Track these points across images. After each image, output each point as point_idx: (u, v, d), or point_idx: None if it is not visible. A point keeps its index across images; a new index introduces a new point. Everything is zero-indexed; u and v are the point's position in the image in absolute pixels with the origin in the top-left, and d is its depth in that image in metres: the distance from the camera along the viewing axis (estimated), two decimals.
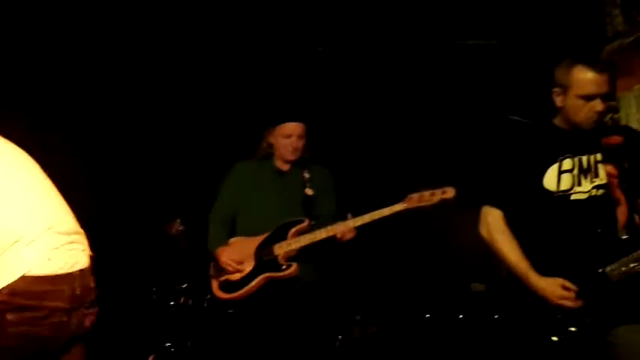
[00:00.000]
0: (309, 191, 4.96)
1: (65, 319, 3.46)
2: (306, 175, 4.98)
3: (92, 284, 3.62)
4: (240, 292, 4.90)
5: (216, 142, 6.65)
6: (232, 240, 5.07)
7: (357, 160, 6.63)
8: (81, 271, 3.54)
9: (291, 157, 5.04)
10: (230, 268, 4.93)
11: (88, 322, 3.58)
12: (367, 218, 4.70)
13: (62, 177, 3.59)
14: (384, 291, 6.67)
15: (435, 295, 6.44)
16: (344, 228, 4.72)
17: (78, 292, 3.49)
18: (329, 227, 4.74)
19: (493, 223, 4.02)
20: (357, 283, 6.51)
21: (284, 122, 4.99)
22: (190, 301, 5.73)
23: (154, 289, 5.94)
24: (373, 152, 6.74)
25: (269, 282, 4.87)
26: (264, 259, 4.93)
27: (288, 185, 5.04)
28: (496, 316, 4.90)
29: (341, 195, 5.13)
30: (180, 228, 5.85)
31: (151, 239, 6.14)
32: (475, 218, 4.10)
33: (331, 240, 4.80)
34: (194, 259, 5.49)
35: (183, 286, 5.82)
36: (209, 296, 5.08)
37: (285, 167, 5.12)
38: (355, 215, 4.81)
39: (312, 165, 5.05)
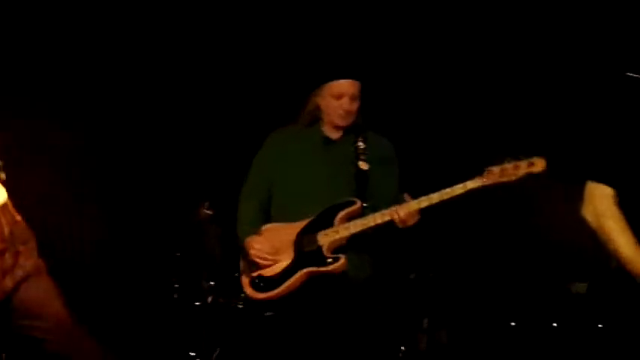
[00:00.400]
0: (363, 165, 4.35)
1: None
2: (361, 145, 4.38)
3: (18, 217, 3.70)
4: (276, 290, 4.28)
5: (249, 111, 6.26)
6: (266, 227, 4.46)
7: (421, 126, 6.16)
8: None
9: (343, 123, 4.41)
10: (262, 262, 4.31)
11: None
12: (435, 198, 4.13)
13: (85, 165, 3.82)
14: (456, 291, 6.06)
15: (523, 296, 5.94)
16: (404, 211, 4.14)
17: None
18: (385, 211, 4.17)
19: (602, 205, 3.58)
20: (422, 281, 5.89)
21: (334, 80, 4.37)
22: (220, 301, 5.34)
23: (176, 285, 5.54)
24: (441, 116, 6.19)
25: (311, 278, 4.26)
26: (306, 250, 4.30)
27: (337, 157, 4.43)
28: (600, 325, 4.15)
29: (402, 169, 4.55)
30: (209, 212, 5.45)
31: (174, 227, 5.78)
32: (574, 198, 3.69)
33: (389, 226, 4.24)
34: (225, 250, 5.09)
35: (212, 282, 5.43)
36: (243, 295, 4.53)
37: (335, 135, 4.49)
38: (418, 195, 4.22)
39: (368, 132, 4.44)
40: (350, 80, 4.41)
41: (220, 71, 6.29)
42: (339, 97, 4.38)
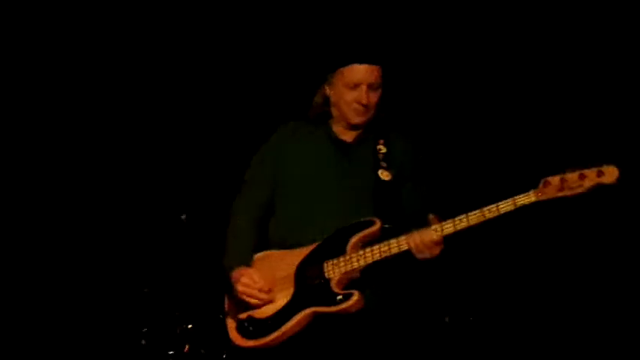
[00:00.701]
0: (384, 174, 3.87)
1: None
2: (382, 149, 3.92)
3: None
4: (271, 336, 3.74)
5: (239, 107, 5.83)
6: (260, 255, 3.94)
7: (458, 127, 5.52)
8: None
9: (358, 120, 3.92)
10: (253, 301, 3.78)
11: None
12: (474, 219, 3.55)
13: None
14: (502, 339, 5.38)
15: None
16: (419, 239, 3.63)
17: None
18: (402, 237, 3.66)
19: None
20: (459, 326, 5.32)
21: (349, 64, 3.90)
22: (201, 351, 4.92)
23: (144, 329, 5.10)
24: (483, 110, 5.58)
25: (316, 320, 3.74)
26: (310, 283, 3.78)
27: (351, 165, 3.93)
28: None
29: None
30: (184, 218, 5.18)
31: (141, 253, 5.47)
32: None
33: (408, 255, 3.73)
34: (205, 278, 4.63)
35: (189, 325, 5.00)
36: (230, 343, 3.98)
37: (349, 136, 3.99)
38: (451, 215, 3.63)
39: (391, 133, 3.98)
40: (368, 65, 3.91)
41: (207, 54, 5.91)
42: (354, 85, 3.90)
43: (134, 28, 5.77)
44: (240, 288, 3.78)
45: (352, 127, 3.92)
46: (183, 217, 5.12)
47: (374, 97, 3.87)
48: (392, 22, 5.57)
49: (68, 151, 5.72)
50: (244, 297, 3.77)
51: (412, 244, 3.62)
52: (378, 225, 3.72)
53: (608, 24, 5.39)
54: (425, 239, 3.60)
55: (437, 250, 3.63)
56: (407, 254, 3.69)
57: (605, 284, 5.36)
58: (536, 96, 5.65)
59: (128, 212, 5.69)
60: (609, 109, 5.48)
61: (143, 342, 5.13)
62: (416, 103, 5.18)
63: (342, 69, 3.88)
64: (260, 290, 3.78)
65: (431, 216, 3.64)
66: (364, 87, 3.84)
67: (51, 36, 5.72)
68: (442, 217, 3.65)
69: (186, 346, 4.98)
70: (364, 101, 3.84)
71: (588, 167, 3.53)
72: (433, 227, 3.61)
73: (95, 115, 5.81)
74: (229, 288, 3.88)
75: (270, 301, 3.78)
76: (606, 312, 5.35)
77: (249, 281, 3.78)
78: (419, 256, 3.64)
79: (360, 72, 3.87)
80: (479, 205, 3.62)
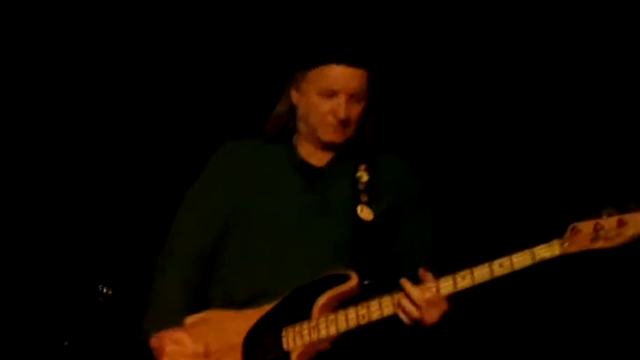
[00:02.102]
0: (365, 212, 3.23)
1: None
2: (363, 177, 3.28)
3: None
4: None
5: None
6: (195, 317, 3.26)
7: (461, 147, 4.86)
8: None
9: (333, 138, 3.27)
10: None
11: None
12: (479, 276, 2.95)
13: None
14: None
15: None
16: (421, 296, 3.00)
17: None
18: (386, 297, 3.06)
19: None
20: None
21: (324, 63, 3.25)
22: None
23: None
24: (496, 132, 4.87)
25: None
26: (263, 357, 3.15)
27: (322, 197, 3.29)
28: None
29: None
30: (108, 292, 4.50)
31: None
32: None
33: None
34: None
35: None
36: None
37: (320, 158, 3.33)
38: (452, 268, 3.04)
39: (379, 155, 3.37)
40: (351, 67, 3.24)
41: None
42: (330, 94, 3.23)
43: None
44: (165, 355, 3.12)
45: (325, 146, 3.22)
46: (105, 289, 4.54)
47: (355, 111, 3.19)
48: (384, 15, 4.89)
49: None
50: None
51: (402, 306, 2.95)
52: (354, 280, 3.06)
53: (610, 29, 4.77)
54: (418, 299, 2.93)
55: (436, 315, 2.97)
56: (393, 320, 2.98)
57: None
58: (562, 119, 4.94)
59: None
60: None
61: None
62: (414, 119, 4.52)
63: (315, 70, 3.18)
64: (192, 357, 3.11)
65: (421, 270, 3.01)
66: (343, 96, 3.15)
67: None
68: (441, 271, 2.98)
69: None
70: (342, 115, 3.15)
71: (631, 210, 2.92)
72: (427, 285, 2.96)
73: None
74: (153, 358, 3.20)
75: None
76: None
77: (176, 348, 3.11)
78: (407, 322, 2.98)
79: (339, 76, 3.18)
80: (487, 256, 2.97)
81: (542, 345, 4.78)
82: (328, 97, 3.17)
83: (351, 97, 3.17)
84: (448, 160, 4.64)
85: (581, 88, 4.83)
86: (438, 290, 2.96)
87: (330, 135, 3.20)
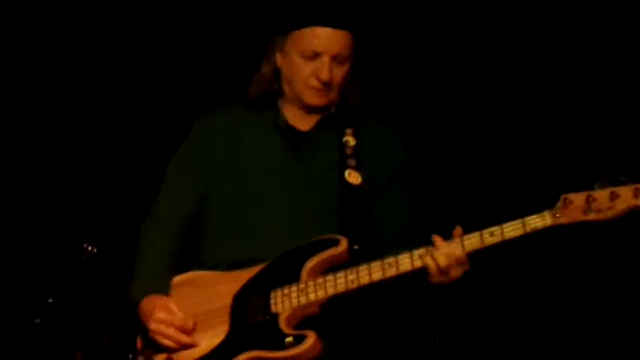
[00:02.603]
0: (353, 176, 3.22)
1: None
2: (350, 142, 3.28)
3: None
4: None
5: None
6: (181, 277, 3.25)
7: (453, 118, 4.90)
8: None
9: (317, 101, 3.25)
10: (169, 341, 3.10)
11: None
12: (467, 245, 3.01)
13: None
14: None
15: None
16: (446, 253, 3.01)
17: None
18: (402, 255, 3.00)
19: None
20: None
21: (307, 26, 3.24)
22: None
23: None
24: (487, 102, 4.95)
25: None
26: (251, 319, 3.12)
27: (309, 161, 3.28)
28: None
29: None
30: (93, 250, 4.40)
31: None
32: None
33: (399, 284, 3.08)
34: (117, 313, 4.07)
35: None
36: None
37: (306, 122, 3.31)
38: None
39: (365, 120, 3.37)
40: (333, 29, 3.24)
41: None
42: (313, 56, 3.23)
43: None
44: (152, 326, 3.10)
45: (309, 110, 3.23)
46: (90, 248, 4.46)
47: (339, 73, 3.19)
48: None
49: None
50: (158, 338, 3.09)
51: (435, 262, 3.00)
52: (344, 245, 3.06)
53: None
54: (455, 253, 2.99)
55: (464, 269, 3.03)
56: (382, 286, 3.02)
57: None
58: (554, 83, 5.02)
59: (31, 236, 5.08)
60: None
61: None
62: (401, 86, 4.53)
63: (299, 32, 3.19)
64: (180, 328, 3.10)
65: (458, 228, 3.04)
66: (326, 58, 3.15)
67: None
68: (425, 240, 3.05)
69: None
70: (324, 76, 3.16)
71: (623, 183, 2.93)
72: (465, 238, 3.01)
73: None
74: (138, 324, 3.17)
75: (193, 345, 3.12)
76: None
77: (164, 316, 3.10)
78: (438, 278, 3.02)
79: (322, 38, 3.18)
80: (475, 224, 3.02)
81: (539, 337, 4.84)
82: (312, 59, 3.17)
83: (334, 59, 3.16)
84: (440, 130, 4.65)
85: (570, 64, 4.88)
86: (469, 244, 3.00)
87: (313, 98, 3.21)
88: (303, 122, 3.27)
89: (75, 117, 5.19)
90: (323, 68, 3.17)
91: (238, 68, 3.58)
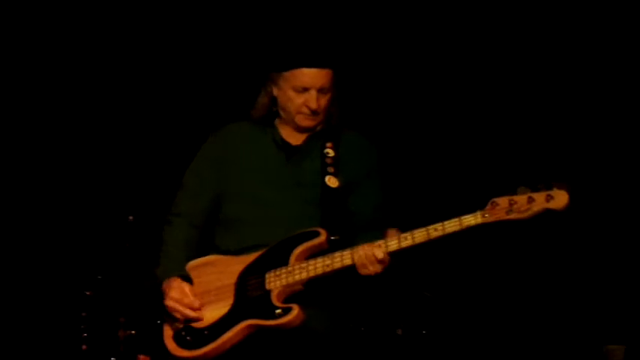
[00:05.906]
0: (331, 181, 3.69)
1: None
2: (330, 153, 3.74)
3: None
4: (207, 348, 3.57)
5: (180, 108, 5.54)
6: (204, 259, 3.74)
7: (410, 131, 5.33)
8: None
9: (308, 124, 3.75)
10: (178, 315, 3.63)
11: None
12: (419, 237, 3.44)
13: None
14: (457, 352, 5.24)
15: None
16: (366, 255, 3.48)
17: None
18: (346, 251, 3.50)
19: None
20: (412, 340, 5.00)
21: (296, 67, 3.72)
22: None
23: (85, 334, 4.92)
24: (438, 121, 5.39)
25: (255, 333, 3.58)
26: (250, 294, 3.62)
27: (298, 169, 3.76)
28: None
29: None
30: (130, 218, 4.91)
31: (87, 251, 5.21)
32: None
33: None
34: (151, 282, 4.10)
35: (132, 331, 4.84)
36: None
37: (297, 138, 3.81)
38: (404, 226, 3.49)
39: (344, 134, 3.82)
40: (318, 68, 3.73)
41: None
42: (302, 90, 3.73)
43: None
44: (168, 303, 3.62)
45: (300, 130, 3.75)
46: (131, 217, 4.90)
47: (323, 101, 3.70)
48: (342, 23, 5.33)
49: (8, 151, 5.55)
50: (172, 312, 3.62)
51: (356, 259, 3.45)
52: (323, 236, 3.56)
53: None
54: (369, 255, 3.43)
55: (379, 268, 3.46)
56: (353, 269, 3.51)
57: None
58: (517, 94, 5.40)
59: (73, 212, 5.49)
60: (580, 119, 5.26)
61: (84, 347, 4.96)
62: (372, 106, 4.98)
63: (290, 71, 3.69)
64: (188, 306, 3.62)
65: (390, 230, 3.49)
66: (314, 92, 3.67)
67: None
68: (401, 228, 3.49)
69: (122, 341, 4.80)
70: (313, 106, 3.66)
71: (539, 189, 3.35)
72: (377, 243, 3.45)
73: (31, 117, 5.62)
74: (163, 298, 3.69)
75: (202, 317, 3.62)
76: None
77: (178, 296, 3.62)
78: (361, 271, 3.48)
79: (309, 76, 3.68)
80: (424, 222, 3.46)
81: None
82: (302, 92, 3.65)
83: (320, 91, 3.64)
84: (400, 141, 5.03)
85: (509, 73, 5.26)
86: (386, 247, 3.43)
87: (304, 122, 3.70)
88: (294, 138, 3.74)
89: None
90: (311, 100, 3.64)
91: (246, 93, 3.96)
